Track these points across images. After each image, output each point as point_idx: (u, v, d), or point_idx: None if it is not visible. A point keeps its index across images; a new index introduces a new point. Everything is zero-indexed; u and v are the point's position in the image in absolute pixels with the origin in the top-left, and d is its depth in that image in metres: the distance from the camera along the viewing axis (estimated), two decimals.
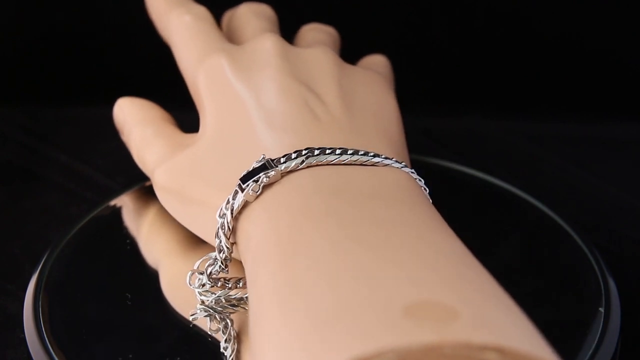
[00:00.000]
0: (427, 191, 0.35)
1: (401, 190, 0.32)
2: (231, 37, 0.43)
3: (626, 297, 0.38)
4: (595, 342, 0.35)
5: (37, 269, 0.39)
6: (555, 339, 0.36)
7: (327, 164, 0.33)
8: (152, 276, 0.38)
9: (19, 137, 0.53)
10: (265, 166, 0.33)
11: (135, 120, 0.41)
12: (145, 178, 0.44)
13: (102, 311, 0.37)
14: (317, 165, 0.33)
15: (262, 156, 0.33)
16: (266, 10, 0.44)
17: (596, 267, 0.38)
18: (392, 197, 0.32)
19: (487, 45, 0.54)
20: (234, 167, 0.34)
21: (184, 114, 0.55)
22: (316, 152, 0.33)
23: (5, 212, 0.47)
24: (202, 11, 0.42)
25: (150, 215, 0.42)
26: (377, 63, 0.43)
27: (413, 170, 0.34)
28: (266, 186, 0.32)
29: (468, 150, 0.52)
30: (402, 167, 0.34)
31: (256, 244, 0.31)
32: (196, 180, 0.36)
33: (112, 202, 0.43)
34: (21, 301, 0.37)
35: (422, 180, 0.35)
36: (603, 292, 0.37)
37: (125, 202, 0.43)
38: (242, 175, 0.33)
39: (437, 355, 0.23)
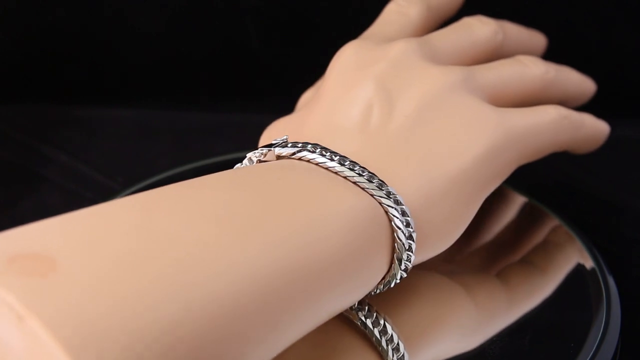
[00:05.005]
0: (406, 234, 0.32)
1: (334, 211, 0.31)
2: None
3: (626, 297, 0.38)
4: (596, 342, 0.35)
5: None
6: (556, 339, 0.36)
7: (317, 164, 0.33)
8: None
9: (19, 137, 0.53)
10: (273, 145, 0.34)
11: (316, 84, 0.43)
12: (145, 178, 0.44)
13: None
14: (308, 161, 0.33)
15: (285, 137, 0.34)
16: (475, 26, 0.40)
17: (596, 267, 0.38)
18: (304, 204, 0.30)
19: None
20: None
21: (184, 114, 0.55)
22: (317, 150, 0.33)
23: (5, 212, 0.47)
24: (412, 5, 0.41)
25: None
26: (533, 114, 0.38)
27: (401, 210, 0.32)
28: (260, 161, 0.34)
29: None
30: (387, 199, 0.32)
31: None
32: (262, 141, 0.38)
33: None
34: None
35: (405, 223, 0.32)
36: (603, 292, 0.37)
37: None
38: (257, 147, 0.35)
39: None
